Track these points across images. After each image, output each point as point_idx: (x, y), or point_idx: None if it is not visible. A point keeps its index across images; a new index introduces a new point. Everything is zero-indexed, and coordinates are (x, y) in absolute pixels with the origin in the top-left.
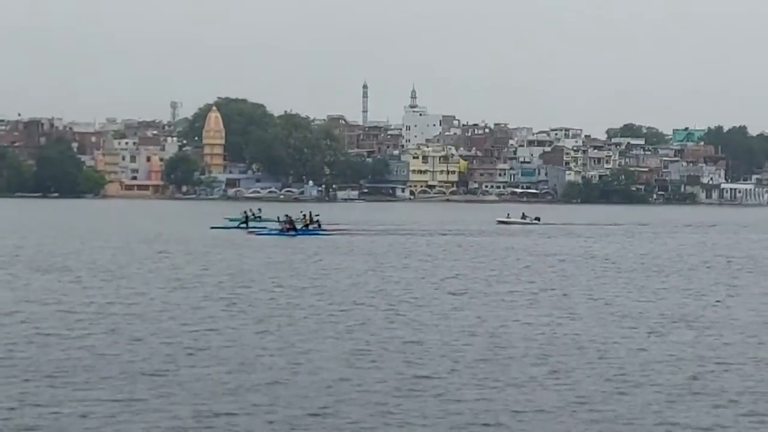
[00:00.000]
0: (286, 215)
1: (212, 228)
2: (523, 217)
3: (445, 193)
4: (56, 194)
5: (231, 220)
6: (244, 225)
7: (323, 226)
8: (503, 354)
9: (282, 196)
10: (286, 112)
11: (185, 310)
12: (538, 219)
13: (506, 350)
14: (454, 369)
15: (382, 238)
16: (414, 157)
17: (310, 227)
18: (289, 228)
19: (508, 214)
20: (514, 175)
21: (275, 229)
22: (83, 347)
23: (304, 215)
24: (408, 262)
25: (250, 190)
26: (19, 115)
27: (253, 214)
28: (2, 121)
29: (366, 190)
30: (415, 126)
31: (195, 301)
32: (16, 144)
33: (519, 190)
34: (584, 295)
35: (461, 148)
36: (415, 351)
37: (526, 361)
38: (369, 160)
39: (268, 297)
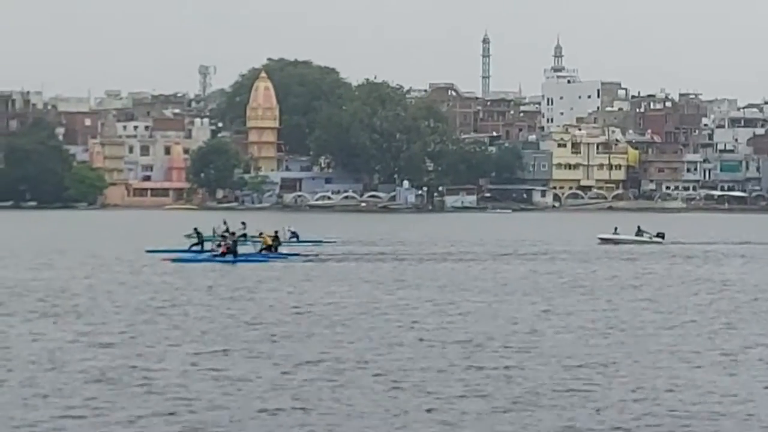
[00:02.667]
0: (226, 228)
1: (148, 252)
2: (639, 232)
3: (606, 197)
4: (33, 203)
5: (190, 236)
6: (197, 247)
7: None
8: None
9: (363, 204)
10: (368, 80)
11: None
12: (661, 236)
13: None
14: None
15: (391, 264)
16: (559, 145)
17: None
18: (226, 251)
19: (616, 229)
20: (709, 170)
21: (207, 252)
22: None
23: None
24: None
25: (317, 196)
26: None
27: (227, 229)
28: None
29: (488, 195)
30: (561, 98)
31: None
32: None
33: (717, 193)
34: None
35: (630, 131)
36: None
37: None
38: (492, 149)
39: None
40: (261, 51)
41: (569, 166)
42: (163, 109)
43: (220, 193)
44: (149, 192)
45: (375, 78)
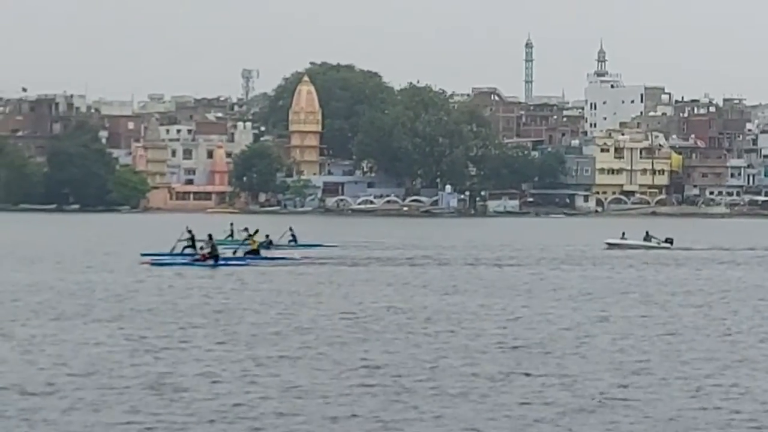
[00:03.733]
0: (209, 235)
1: (143, 255)
2: (647, 237)
3: (649, 202)
4: (76, 206)
5: (185, 241)
6: (190, 248)
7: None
8: None
9: (406, 209)
10: (411, 84)
11: None
12: (669, 241)
13: None
14: None
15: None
16: (602, 150)
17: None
18: (206, 256)
19: (624, 234)
20: (753, 175)
21: (188, 256)
22: None
23: (247, 230)
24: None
25: (359, 200)
26: (24, 90)
27: (231, 232)
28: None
29: (531, 199)
30: (604, 103)
31: None
32: (19, 133)
33: (761, 198)
34: None
35: (673, 136)
36: None
37: None
38: (535, 153)
39: None
40: (304, 55)
41: (612, 171)
42: (206, 112)
43: (262, 197)
44: (192, 195)
45: (418, 82)
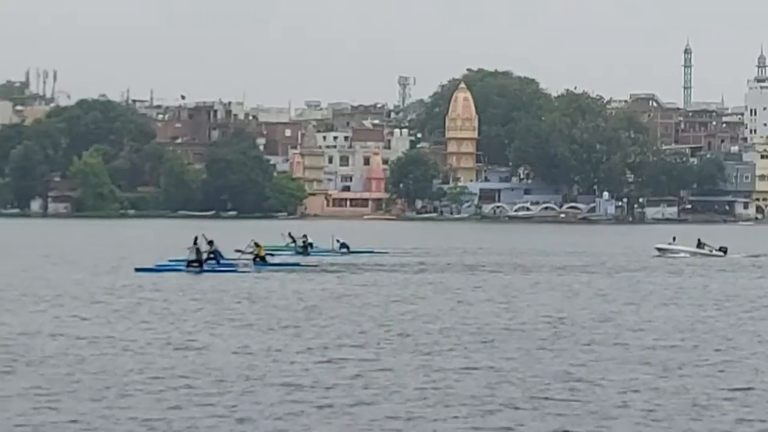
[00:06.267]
0: (210, 241)
1: (137, 270)
2: (700, 244)
3: None
4: (234, 212)
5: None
6: (195, 264)
7: None
8: None
9: (563, 216)
10: (568, 90)
11: None
12: (723, 250)
13: None
14: None
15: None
16: (762, 156)
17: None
18: (193, 262)
19: (674, 238)
20: None
21: (181, 263)
22: None
23: (255, 243)
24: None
25: (516, 206)
26: (183, 98)
27: (293, 239)
28: (158, 107)
29: (689, 206)
30: (765, 109)
31: None
32: (178, 140)
33: None
34: None
35: None
36: None
37: None
38: (694, 160)
39: None
40: (460, 62)
41: None
42: (362, 119)
43: (418, 204)
44: (348, 202)
45: (575, 88)
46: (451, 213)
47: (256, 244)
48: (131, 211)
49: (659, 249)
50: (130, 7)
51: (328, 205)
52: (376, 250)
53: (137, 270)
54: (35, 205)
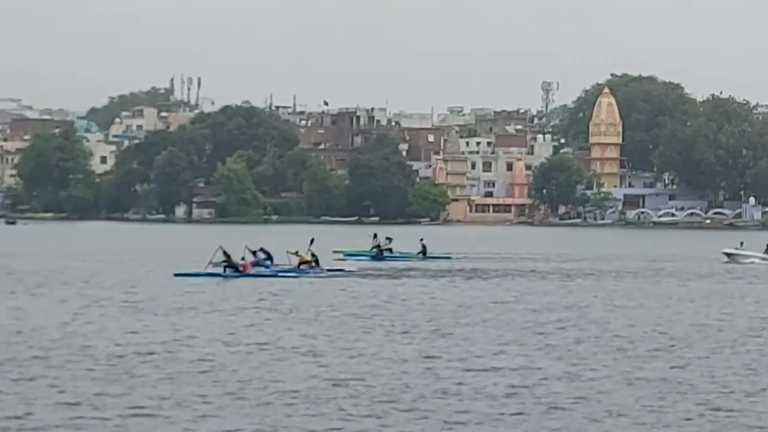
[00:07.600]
0: (222, 249)
1: (176, 275)
2: None
3: None
4: (376, 218)
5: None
6: (226, 269)
7: None
8: None
9: (708, 221)
10: (713, 95)
11: None
12: None
13: None
14: None
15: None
16: None
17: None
18: (228, 265)
19: (742, 243)
20: None
21: (219, 267)
22: None
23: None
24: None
25: (660, 213)
26: (326, 104)
27: (389, 240)
28: (301, 113)
29: None
30: None
31: None
32: (321, 146)
33: None
34: None
35: None
36: None
37: None
38: None
39: None
40: (604, 67)
41: None
42: (505, 125)
43: (561, 210)
44: (491, 208)
45: (720, 93)
46: (595, 219)
47: (296, 253)
48: (274, 217)
49: (727, 254)
50: (272, 15)
51: (470, 211)
52: (451, 256)
53: (176, 275)
54: (180, 210)
